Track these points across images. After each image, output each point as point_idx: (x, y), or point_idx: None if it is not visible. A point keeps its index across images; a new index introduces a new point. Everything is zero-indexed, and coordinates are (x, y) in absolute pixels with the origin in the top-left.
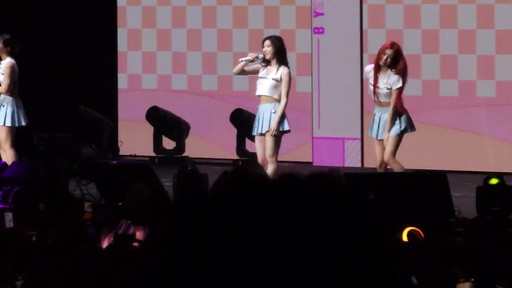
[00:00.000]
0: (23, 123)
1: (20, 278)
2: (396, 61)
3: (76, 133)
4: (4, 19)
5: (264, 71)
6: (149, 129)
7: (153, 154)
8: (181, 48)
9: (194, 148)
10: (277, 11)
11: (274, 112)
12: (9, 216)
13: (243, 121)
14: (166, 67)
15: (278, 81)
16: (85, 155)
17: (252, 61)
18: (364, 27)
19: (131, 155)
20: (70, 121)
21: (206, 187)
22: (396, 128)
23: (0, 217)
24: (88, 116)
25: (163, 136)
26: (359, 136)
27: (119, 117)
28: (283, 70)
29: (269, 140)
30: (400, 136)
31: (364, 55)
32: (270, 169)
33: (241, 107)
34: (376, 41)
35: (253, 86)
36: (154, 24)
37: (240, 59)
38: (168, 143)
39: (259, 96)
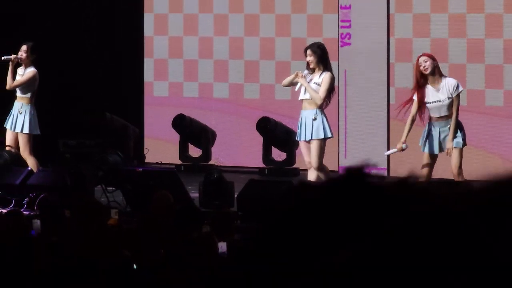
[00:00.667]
0: (38, 132)
1: None
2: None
3: (102, 140)
4: (26, 23)
5: (309, 77)
6: (175, 137)
7: (179, 162)
8: (223, 56)
9: (221, 156)
10: (319, 20)
11: (315, 119)
12: (36, 223)
13: (269, 130)
14: (208, 75)
15: (320, 85)
16: (111, 162)
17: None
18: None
19: (157, 163)
20: (96, 128)
21: (232, 195)
22: (458, 139)
23: (27, 223)
24: (114, 123)
25: (189, 144)
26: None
27: (145, 124)
28: (325, 74)
29: (312, 147)
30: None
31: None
32: (314, 175)
33: (267, 116)
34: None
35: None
36: (194, 31)
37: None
38: (194, 151)
39: (302, 100)
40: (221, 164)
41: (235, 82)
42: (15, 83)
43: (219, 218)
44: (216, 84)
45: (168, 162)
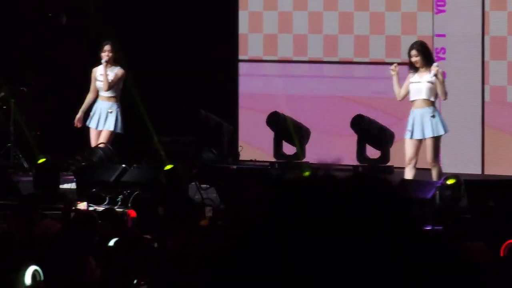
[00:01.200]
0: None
1: (143, 283)
2: None
3: (197, 137)
4: (122, 21)
5: (416, 76)
6: (270, 134)
7: (274, 159)
8: (317, 54)
9: (315, 153)
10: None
11: (433, 116)
12: (131, 220)
13: (363, 127)
14: (302, 72)
15: (433, 83)
16: (205, 159)
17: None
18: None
19: (251, 160)
20: (190, 126)
21: None
22: None
23: (121, 220)
24: (209, 121)
25: (283, 142)
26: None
27: (240, 122)
28: (434, 70)
29: (430, 144)
30: None
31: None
32: (434, 172)
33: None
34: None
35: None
36: (288, 29)
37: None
38: (288, 148)
39: (413, 101)
40: (311, 161)
41: (329, 77)
42: (110, 83)
43: None
44: (309, 81)
45: (262, 160)
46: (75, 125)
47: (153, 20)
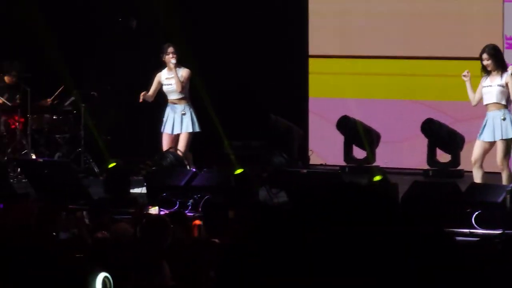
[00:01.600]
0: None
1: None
2: None
3: (267, 141)
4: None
5: (488, 79)
6: (340, 138)
7: (344, 163)
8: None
9: (386, 157)
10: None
11: (504, 119)
12: (200, 226)
13: (434, 131)
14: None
15: (504, 87)
16: (275, 163)
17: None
18: None
19: (321, 164)
20: (261, 130)
21: (396, 197)
22: None
23: (188, 225)
24: (279, 125)
25: (354, 146)
26: None
27: (310, 126)
28: (505, 75)
29: (499, 147)
30: None
31: None
32: (504, 176)
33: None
34: None
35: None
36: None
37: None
38: (359, 152)
39: (487, 104)
40: (386, 166)
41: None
42: (182, 83)
43: None
44: (380, 86)
45: (332, 164)
46: (140, 100)
47: (222, 22)
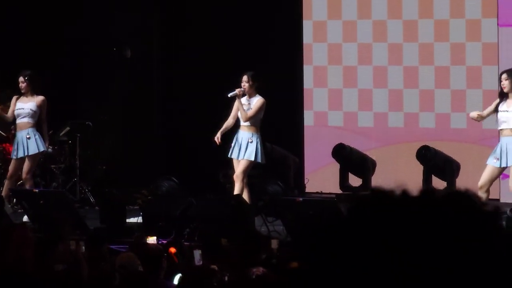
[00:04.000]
0: (263, 161)
1: None
2: None
3: (262, 170)
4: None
5: (504, 105)
6: (336, 166)
7: (340, 191)
8: (367, 85)
9: (380, 184)
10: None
11: None
12: (197, 253)
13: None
14: (352, 104)
15: None
16: (271, 192)
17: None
18: None
19: (317, 192)
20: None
21: None
22: None
23: (189, 255)
24: (274, 153)
25: (349, 173)
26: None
27: (305, 154)
28: None
29: None
30: None
31: None
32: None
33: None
34: None
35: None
36: (340, 61)
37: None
38: (354, 180)
39: (501, 130)
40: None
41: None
42: (249, 114)
43: None
44: (360, 113)
45: (328, 192)
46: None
47: (214, 30)
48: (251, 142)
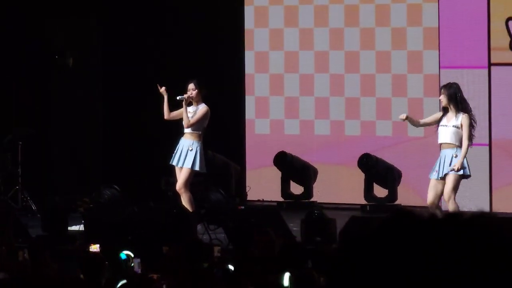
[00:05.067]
0: (206, 171)
1: None
2: None
3: (204, 178)
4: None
5: (445, 119)
6: (277, 174)
7: (281, 199)
8: (324, 93)
9: (322, 193)
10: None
11: (456, 157)
12: (136, 262)
13: (370, 166)
14: (309, 111)
15: (459, 128)
16: (213, 200)
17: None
18: None
19: (258, 200)
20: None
21: (334, 232)
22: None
23: (128, 263)
24: (216, 161)
25: (291, 181)
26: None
27: (247, 162)
28: (462, 116)
29: (449, 181)
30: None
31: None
32: (450, 208)
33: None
34: None
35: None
36: (282, 47)
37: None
38: (296, 188)
39: (441, 144)
40: (323, 201)
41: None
42: (192, 121)
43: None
44: (317, 121)
45: (270, 200)
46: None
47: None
48: (191, 150)
